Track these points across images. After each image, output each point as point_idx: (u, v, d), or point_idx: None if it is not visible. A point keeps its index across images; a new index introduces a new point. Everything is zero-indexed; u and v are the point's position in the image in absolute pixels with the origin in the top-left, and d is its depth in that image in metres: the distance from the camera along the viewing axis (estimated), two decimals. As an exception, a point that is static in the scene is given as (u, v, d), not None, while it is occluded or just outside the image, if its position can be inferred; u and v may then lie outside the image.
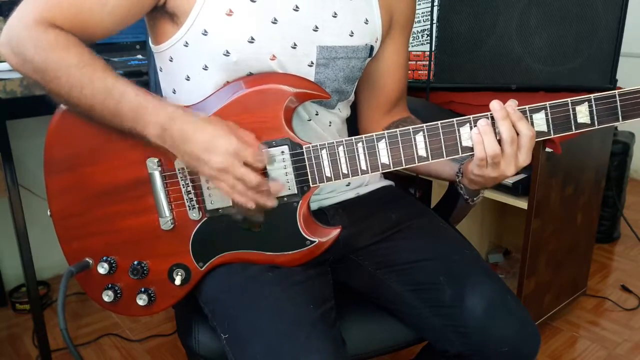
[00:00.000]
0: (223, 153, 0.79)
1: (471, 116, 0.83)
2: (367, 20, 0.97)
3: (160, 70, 0.99)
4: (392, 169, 0.86)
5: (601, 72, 1.51)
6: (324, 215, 0.99)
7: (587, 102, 0.81)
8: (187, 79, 0.93)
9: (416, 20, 1.54)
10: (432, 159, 0.85)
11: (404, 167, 0.86)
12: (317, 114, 0.98)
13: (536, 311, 1.75)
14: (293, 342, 0.79)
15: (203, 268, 0.91)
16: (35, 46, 0.80)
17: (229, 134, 0.80)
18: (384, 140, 0.85)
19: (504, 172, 0.83)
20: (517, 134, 0.81)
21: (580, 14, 1.46)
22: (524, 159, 0.82)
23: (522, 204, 1.60)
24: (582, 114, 0.82)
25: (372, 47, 0.99)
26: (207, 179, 0.84)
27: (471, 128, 0.83)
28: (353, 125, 1.12)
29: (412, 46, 1.58)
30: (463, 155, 0.85)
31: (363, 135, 0.85)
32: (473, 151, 0.84)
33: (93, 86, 0.80)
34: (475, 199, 0.98)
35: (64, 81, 0.80)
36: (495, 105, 0.81)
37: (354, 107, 1.12)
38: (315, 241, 0.89)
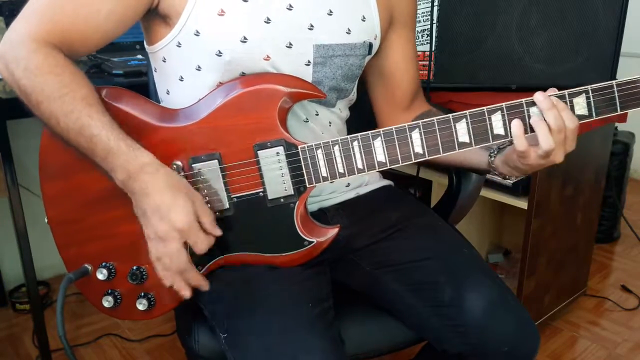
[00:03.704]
0: (169, 224, 0.78)
1: (467, 111, 0.82)
2: (364, 18, 0.97)
3: (155, 71, 0.99)
4: (388, 167, 0.86)
5: (601, 72, 1.51)
6: (324, 216, 0.99)
7: (584, 94, 0.81)
8: (181, 79, 0.93)
9: (416, 20, 1.54)
10: (428, 156, 0.85)
11: (401, 164, 0.86)
12: (317, 114, 0.98)
13: (536, 311, 1.75)
14: (291, 341, 0.80)
15: (202, 271, 0.90)
16: (24, 68, 0.79)
17: (186, 208, 0.78)
18: (379, 138, 0.85)
19: (554, 159, 0.83)
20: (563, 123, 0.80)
21: (580, 14, 1.46)
22: (571, 145, 0.82)
23: (522, 204, 1.60)
24: (580, 105, 0.82)
25: (370, 45, 0.99)
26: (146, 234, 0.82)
27: (467, 124, 0.83)
28: (354, 128, 1.11)
29: (412, 46, 1.58)
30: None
31: (358, 134, 0.85)
32: (470, 146, 0.84)
33: (67, 120, 0.79)
34: (513, 178, 0.97)
35: (43, 108, 0.79)
36: (539, 96, 0.80)
37: (368, 107, 1.12)
38: (313, 241, 0.89)
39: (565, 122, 0.80)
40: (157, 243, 0.80)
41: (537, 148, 0.81)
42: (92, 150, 0.80)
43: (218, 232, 0.82)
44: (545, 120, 0.80)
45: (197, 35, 0.86)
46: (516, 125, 0.81)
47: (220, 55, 0.87)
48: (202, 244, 0.80)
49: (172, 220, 0.78)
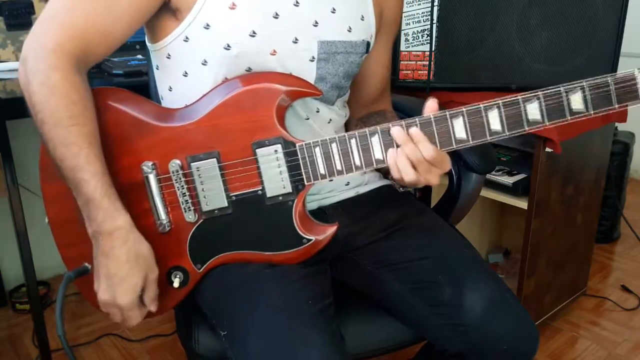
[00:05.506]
0: (113, 297, 0.82)
1: (464, 108, 0.82)
2: (362, 17, 0.99)
3: (157, 68, 0.99)
4: (386, 164, 0.86)
5: (601, 72, 1.49)
6: (323, 215, 0.99)
7: (580, 90, 0.81)
8: (185, 75, 0.93)
9: (416, 20, 1.54)
10: None
11: None
12: (317, 111, 0.98)
13: (536, 311, 1.75)
14: (291, 336, 0.80)
15: (201, 270, 0.90)
16: (40, 82, 0.79)
17: (136, 287, 0.82)
18: (377, 135, 0.85)
19: (427, 182, 0.85)
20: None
21: (580, 14, 1.46)
22: (443, 167, 0.84)
23: (522, 204, 1.60)
24: (576, 101, 0.82)
25: (368, 43, 1.01)
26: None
27: (464, 120, 0.83)
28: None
29: (412, 46, 1.58)
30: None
31: (356, 131, 0.85)
32: (468, 143, 0.84)
33: (66, 151, 0.79)
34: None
35: (46, 130, 0.79)
36: (394, 131, 0.83)
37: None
38: (311, 239, 0.89)
39: (422, 153, 0.82)
40: (100, 303, 0.84)
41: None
42: (77, 191, 0.81)
43: (153, 308, 0.87)
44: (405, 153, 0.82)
45: (207, 29, 0.87)
46: (390, 155, 0.84)
47: (229, 49, 0.87)
48: (132, 321, 0.85)
49: (117, 295, 0.82)
